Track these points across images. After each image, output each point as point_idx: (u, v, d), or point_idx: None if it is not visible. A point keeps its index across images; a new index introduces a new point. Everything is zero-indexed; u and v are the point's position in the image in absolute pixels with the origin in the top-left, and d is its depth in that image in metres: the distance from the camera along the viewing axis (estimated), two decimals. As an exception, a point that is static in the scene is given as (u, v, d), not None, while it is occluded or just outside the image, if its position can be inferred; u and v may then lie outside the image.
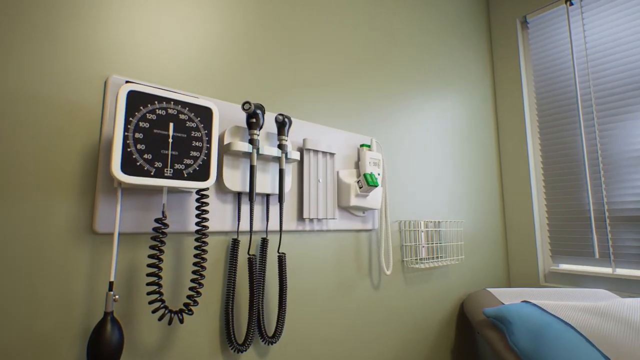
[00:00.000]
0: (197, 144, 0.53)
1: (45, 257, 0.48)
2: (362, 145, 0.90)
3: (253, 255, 0.63)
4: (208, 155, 0.54)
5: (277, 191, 0.71)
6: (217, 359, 0.62)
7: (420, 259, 1.06)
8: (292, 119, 0.78)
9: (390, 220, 1.00)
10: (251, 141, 0.64)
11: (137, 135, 0.48)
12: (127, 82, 0.50)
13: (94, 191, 0.53)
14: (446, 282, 1.15)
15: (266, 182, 0.69)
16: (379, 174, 0.89)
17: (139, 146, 0.48)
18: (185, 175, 0.52)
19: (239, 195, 0.67)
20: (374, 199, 0.87)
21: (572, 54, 1.36)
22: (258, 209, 0.70)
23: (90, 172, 0.53)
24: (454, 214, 1.23)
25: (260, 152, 0.65)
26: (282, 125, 0.68)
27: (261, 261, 0.66)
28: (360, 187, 0.82)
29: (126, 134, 0.47)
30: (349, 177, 0.86)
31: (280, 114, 0.68)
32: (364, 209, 0.88)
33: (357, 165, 0.91)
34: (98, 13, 0.57)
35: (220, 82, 0.69)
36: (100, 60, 0.56)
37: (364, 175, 0.81)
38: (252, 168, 0.64)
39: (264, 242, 0.67)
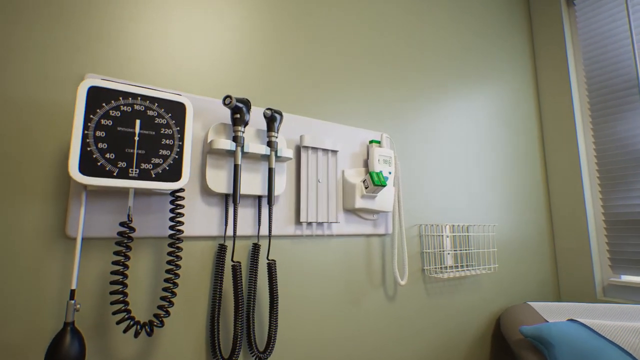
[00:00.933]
0: (167, 141, 0.50)
1: (15, 262, 0.47)
2: (371, 142, 0.82)
3: (238, 262, 0.58)
4: (180, 153, 0.50)
5: (276, 193, 0.65)
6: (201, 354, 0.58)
7: (445, 268, 0.95)
8: (291, 115, 0.73)
9: (406, 224, 0.90)
10: (235, 138, 0.59)
11: (99, 133, 0.45)
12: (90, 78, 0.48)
13: (67, 194, 0.51)
14: (478, 294, 1.02)
15: (256, 182, 0.64)
16: (390, 173, 0.81)
17: (100, 145, 0.45)
18: (153, 175, 0.48)
19: (226, 197, 0.62)
20: (384, 200, 0.78)
21: (631, 32, 1.16)
22: (249, 212, 0.65)
23: (63, 175, 0.51)
24: (485, 217, 1.09)
25: (245, 150, 0.60)
26: (271, 120, 0.63)
27: (252, 269, 0.61)
28: (366, 188, 0.74)
29: (86, 132, 0.44)
30: (355, 176, 0.79)
31: (268, 109, 0.62)
32: (372, 212, 0.79)
33: (366, 164, 0.83)
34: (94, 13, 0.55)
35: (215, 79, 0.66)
36: (79, 59, 0.54)
37: (370, 173, 0.73)
38: (235, 167, 0.59)
39: (255, 248, 0.62)
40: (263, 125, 0.69)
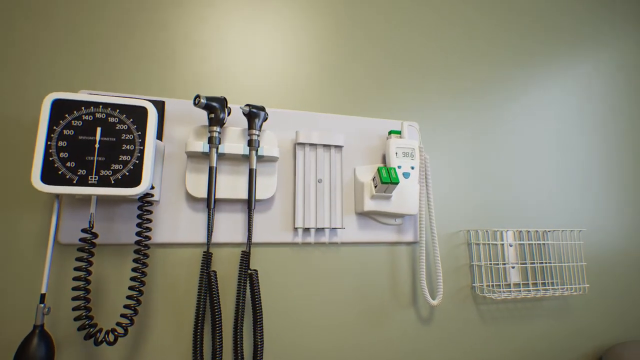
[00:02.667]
0: (128, 147, 0.49)
1: (14, 267, 0.52)
2: (390, 133, 0.69)
3: (214, 271, 0.54)
4: (140, 158, 0.49)
5: (262, 196, 0.60)
6: (185, 387, 0.55)
7: (507, 285, 0.74)
8: (289, 110, 0.67)
9: (447, 229, 0.73)
10: (210, 139, 0.55)
11: (61, 143, 0.47)
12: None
13: (59, 203, 0.55)
14: (563, 323, 0.77)
15: (242, 185, 0.59)
16: (412, 168, 0.67)
17: (61, 154, 0.46)
18: (113, 181, 0.48)
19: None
20: (405, 200, 0.65)
21: None
22: (239, 218, 0.60)
23: (57, 185, 0.55)
24: (567, 221, 0.83)
25: (221, 151, 0.56)
26: (251, 117, 0.58)
27: (240, 278, 0.56)
28: (375, 186, 0.62)
29: (49, 143, 0.46)
30: (368, 174, 0.67)
31: (247, 105, 0.57)
32: (391, 215, 0.66)
33: (385, 160, 0.71)
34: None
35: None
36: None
37: (378, 169, 0.61)
38: (210, 170, 0.55)
39: (244, 256, 0.57)
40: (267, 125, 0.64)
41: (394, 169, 0.62)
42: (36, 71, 0.58)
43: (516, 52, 0.88)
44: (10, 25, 0.58)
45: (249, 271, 0.56)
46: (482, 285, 0.72)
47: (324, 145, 0.65)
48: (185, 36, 0.66)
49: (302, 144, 0.64)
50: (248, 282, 0.56)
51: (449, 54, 0.83)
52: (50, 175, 0.45)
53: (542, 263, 0.77)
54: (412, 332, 0.67)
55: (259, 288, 0.55)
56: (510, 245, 0.77)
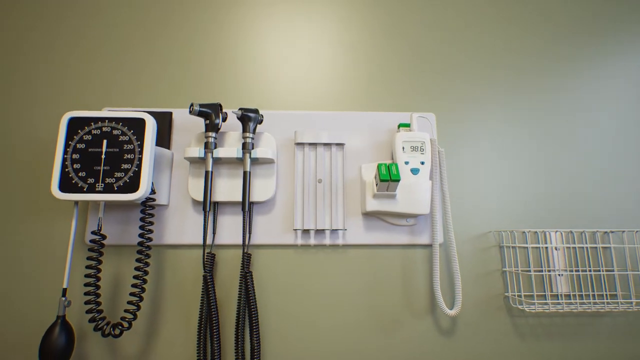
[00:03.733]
0: (128, 156, 0.53)
1: (39, 267, 0.60)
2: (400, 126, 0.64)
3: (209, 274, 0.55)
4: (139, 166, 0.53)
5: (260, 198, 0.60)
6: (191, 381, 0.58)
7: (554, 297, 0.63)
8: (289, 111, 0.66)
9: (474, 230, 0.65)
10: (206, 144, 0.58)
11: (74, 156, 0.53)
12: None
13: (78, 208, 0.62)
14: (627, 345, 0.62)
15: (251, 189, 0.60)
16: (422, 163, 0.61)
17: (75, 166, 0.53)
18: (116, 188, 0.52)
19: (215, 205, 0.62)
20: (414, 199, 0.59)
21: None
22: (239, 220, 0.62)
23: (85, 193, 0.62)
24: (631, 219, 0.67)
25: (215, 155, 0.58)
26: (244, 121, 0.58)
27: (241, 279, 0.57)
28: (376, 185, 0.58)
29: (65, 156, 0.53)
30: (372, 171, 0.63)
31: (240, 109, 0.58)
32: (400, 215, 0.61)
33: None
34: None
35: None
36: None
37: (378, 166, 0.57)
38: (206, 174, 0.57)
39: (245, 258, 0.58)
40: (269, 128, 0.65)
41: (396, 165, 0.57)
42: (63, 92, 0.67)
43: (563, 37, 0.75)
44: (40, 50, 0.68)
45: (242, 272, 0.56)
46: (515, 295, 0.62)
47: (324, 144, 0.63)
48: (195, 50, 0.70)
49: (301, 144, 0.63)
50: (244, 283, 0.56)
51: (485, 35, 0.74)
52: (66, 184, 0.52)
53: (599, 271, 0.64)
54: (429, 344, 0.61)
55: (253, 289, 0.55)
56: (557, 249, 0.65)
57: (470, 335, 0.61)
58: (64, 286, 0.52)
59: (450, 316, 0.60)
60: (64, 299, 0.52)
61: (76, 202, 0.55)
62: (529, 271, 0.63)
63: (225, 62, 0.70)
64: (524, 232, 0.65)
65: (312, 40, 0.72)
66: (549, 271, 0.64)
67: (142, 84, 0.68)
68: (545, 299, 0.63)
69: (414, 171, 0.60)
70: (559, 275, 0.64)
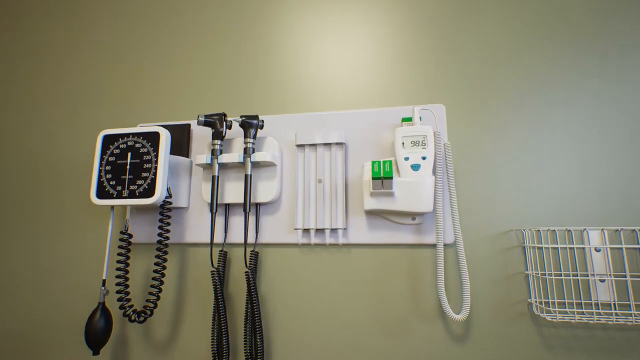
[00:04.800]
0: (147, 165, 0.61)
1: (92, 259, 0.72)
2: (403, 120, 0.62)
3: (217, 269, 0.60)
4: (155, 174, 0.60)
5: (264, 199, 0.64)
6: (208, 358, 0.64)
7: (589, 305, 0.54)
8: (290, 115, 0.69)
9: (493, 229, 0.60)
10: (212, 152, 0.63)
11: (107, 167, 0.62)
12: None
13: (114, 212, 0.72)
14: None
15: (255, 191, 0.64)
16: (424, 158, 0.57)
17: (107, 176, 0.62)
18: (137, 194, 0.60)
19: (227, 206, 0.67)
20: (415, 196, 0.57)
21: None
22: (250, 220, 0.66)
23: (125, 198, 0.73)
24: None
25: (220, 161, 0.62)
26: (245, 127, 0.62)
27: (246, 277, 0.62)
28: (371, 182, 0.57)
29: (100, 168, 0.63)
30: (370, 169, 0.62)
31: (241, 116, 0.62)
32: (396, 214, 0.59)
33: (398, 151, 0.63)
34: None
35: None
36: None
37: (372, 163, 0.56)
38: (212, 178, 0.62)
39: (253, 256, 0.62)
40: (264, 132, 0.69)
41: (389, 161, 0.55)
42: (103, 110, 0.79)
43: (599, 25, 0.64)
44: (84, 71, 0.81)
45: (245, 270, 0.60)
46: (540, 304, 0.55)
47: (325, 144, 0.64)
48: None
49: (302, 146, 0.64)
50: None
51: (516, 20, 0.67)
52: (101, 191, 0.61)
53: None
54: (439, 349, 0.57)
55: (254, 285, 0.59)
56: (598, 250, 0.56)
57: (486, 343, 0.56)
58: (103, 277, 0.62)
59: (457, 321, 0.56)
60: (103, 288, 0.62)
61: (112, 207, 0.65)
62: (560, 275, 0.56)
63: (258, 70, 0.75)
64: (553, 230, 0.57)
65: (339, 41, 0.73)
66: (586, 276, 0.55)
67: (171, 100, 0.77)
68: (581, 308, 0.54)
69: (415, 167, 0.57)
70: (600, 281, 0.55)
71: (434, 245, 0.60)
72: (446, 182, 0.59)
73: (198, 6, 0.80)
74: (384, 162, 0.55)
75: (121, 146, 0.63)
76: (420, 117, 0.60)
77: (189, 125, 0.71)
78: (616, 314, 0.54)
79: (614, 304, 0.54)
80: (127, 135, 0.63)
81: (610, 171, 0.58)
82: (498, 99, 0.64)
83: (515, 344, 0.56)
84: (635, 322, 0.50)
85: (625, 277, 0.54)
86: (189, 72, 0.77)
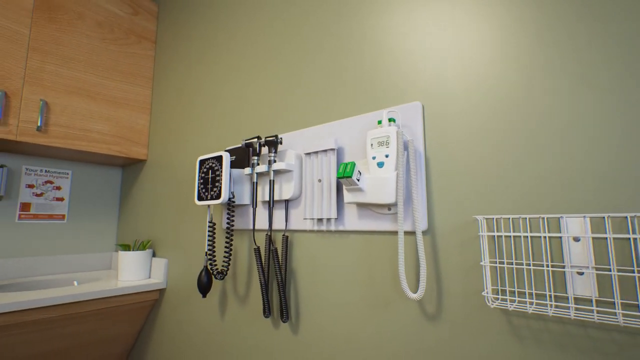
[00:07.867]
0: (218, 178, 0.93)
1: (196, 244, 1.10)
2: (378, 123, 0.71)
3: (258, 247, 0.86)
4: (221, 182, 0.92)
5: (284, 197, 0.85)
6: (260, 317, 0.90)
7: (561, 299, 0.51)
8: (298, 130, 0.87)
9: (456, 219, 0.61)
10: (252, 166, 0.89)
11: (200, 180, 0.98)
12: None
13: (210, 210, 1.08)
14: None
15: (280, 191, 0.87)
16: (386, 156, 0.65)
17: (201, 186, 0.98)
18: (214, 197, 0.93)
19: (270, 203, 0.92)
20: (379, 190, 0.65)
21: None
22: (282, 213, 0.89)
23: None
24: None
25: (257, 171, 0.87)
26: (268, 145, 0.85)
27: (283, 253, 0.85)
28: (345, 181, 0.69)
29: (199, 181, 0.99)
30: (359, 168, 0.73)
31: (265, 138, 0.86)
32: (364, 205, 0.68)
33: (379, 150, 0.71)
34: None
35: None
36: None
37: (339, 165, 0.68)
38: (252, 185, 0.88)
39: (283, 238, 0.86)
40: (286, 146, 0.90)
41: (352, 163, 0.66)
42: (202, 137, 1.17)
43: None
44: (190, 105, 1.21)
45: (272, 248, 0.83)
46: (489, 293, 0.54)
47: (323, 151, 0.79)
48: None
49: (308, 154, 0.82)
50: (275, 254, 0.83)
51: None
52: (199, 196, 0.98)
53: (632, 271, 0.44)
54: (413, 322, 0.64)
55: (279, 259, 0.81)
56: (577, 240, 0.50)
57: (455, 325, 0.60)
58: (205, 250, 0.98)
59: (414, 300, 0.61)
60: (205, 257, 0.98)
61: (208, 206, 1.01)
62: (512, 264, 0.53)
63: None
64: (522, 218, 0.54)
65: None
66: (563, 268, 0.51)
67: (237, 129, 1.08)
68: (548, 300, 0.51)
69: (380, 165, 0.66)
70: (578, 273, 0.50)
71: (407, 233, 0.67)
72: (414, 176, 0.64)
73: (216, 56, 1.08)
74: (347, 164, 0.67)
75: (206, 165, 0.98)
76: (391, 119, 0.67)
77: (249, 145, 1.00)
78: (598, 312, 0.48)
79: (595, 301, 0.48)
80: (209, 159, 0.97)
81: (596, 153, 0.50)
82: (470, 90, 0.63)
83: (479, 330, 0.57)
84: (624, 323, 0.45)
85: (611, 271, 0.47)
86: (254, 112, 1.06)
